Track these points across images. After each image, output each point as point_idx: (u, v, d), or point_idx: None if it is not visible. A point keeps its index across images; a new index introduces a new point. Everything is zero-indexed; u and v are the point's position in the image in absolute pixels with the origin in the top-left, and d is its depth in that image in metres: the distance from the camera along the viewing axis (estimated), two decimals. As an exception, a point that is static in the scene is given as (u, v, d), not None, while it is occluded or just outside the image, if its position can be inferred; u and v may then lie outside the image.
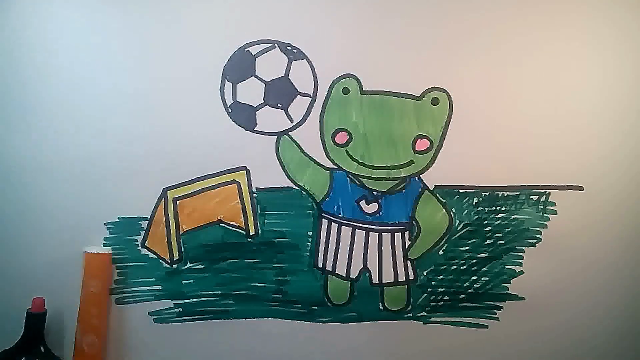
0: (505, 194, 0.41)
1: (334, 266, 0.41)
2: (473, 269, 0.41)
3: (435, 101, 0.41)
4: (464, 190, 0.41)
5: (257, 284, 0.42)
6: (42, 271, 0.41)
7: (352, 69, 0.42)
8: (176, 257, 0.41)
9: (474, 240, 0.41)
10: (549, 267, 0.42)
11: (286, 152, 0.41)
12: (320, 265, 0.41)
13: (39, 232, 0.41)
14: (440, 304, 0.41)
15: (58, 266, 0.41)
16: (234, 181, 0.42)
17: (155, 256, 0.42)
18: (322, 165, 0.41)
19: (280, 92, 0.41)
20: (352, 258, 0.41)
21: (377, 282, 0.41)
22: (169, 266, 0.42)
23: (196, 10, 0.42)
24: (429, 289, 0.41)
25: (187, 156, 0.42)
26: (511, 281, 0.42)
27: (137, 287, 0.42)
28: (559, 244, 0.41)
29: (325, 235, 0.41)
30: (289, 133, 0.42)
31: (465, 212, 0.41)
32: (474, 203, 0.41)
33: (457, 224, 0.41)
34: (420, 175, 0.42)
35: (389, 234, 0.41)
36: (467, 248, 0.41)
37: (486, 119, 0.42)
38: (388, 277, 0.41)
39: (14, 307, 0.39)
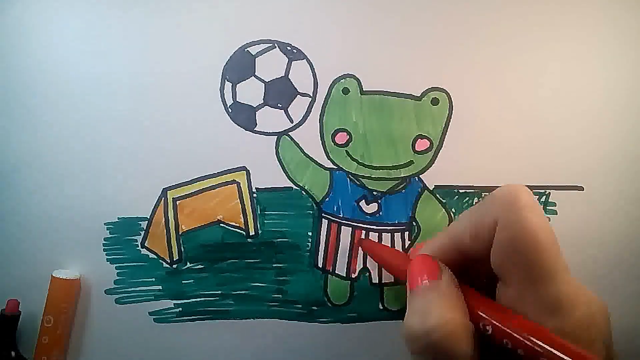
0: (505, 194, 0.41)
1: (334, 266, 0.41)
2: (473, 269, 0.41)
3: (435, 101, 0.41)
4: (464, 190, 0.41)
5: (257, 284, 0.42)
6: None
7: (352, 69, 0.41)
8: (176, 257, 0.41)
9: (474, 240, 0.41)
10: (549, 267, 0.41)
11: (286, 152, 0.41)
12: (320, 265, 0.41)
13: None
14: (440, 304, 0.41)
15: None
16: (233, 181, 0.42)
17: (155, 256, 0.42)
18: (322, 166, 0.41)
19: (280, 92, 0.41)
20: (352, 258, 0.41)
21: (377, 282, 0.41)
22: (169, 266, 0.42)
23: (196, 10, 0.42)
24: (429, 289, 0.41)
25: (187, 156, 0.42)
26: (511, 281, 0.42)
27: (137, 287, 0.41)
28: (559, 243, 0.41)
29: (325, 235, 0.41)
30: (289, 133, 0.42)
31: (465, 212, 0.41)
32: (474, 203, 0.41)
33: (457, 224, 0.41)
34: (420, 175, 0.42)
35: (389, 234, 0.41)
36: (467, 248, 0.41)
37: (486, 119, 0.42)
38: (388, 277, 0.41)
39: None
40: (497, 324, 0.18)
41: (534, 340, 0.16)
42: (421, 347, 0.19)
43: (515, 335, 0.17)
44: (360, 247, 0.40)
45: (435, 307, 0.19)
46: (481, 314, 0.19)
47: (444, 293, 0.20)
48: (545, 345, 0.16)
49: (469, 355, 0.18)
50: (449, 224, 0.41)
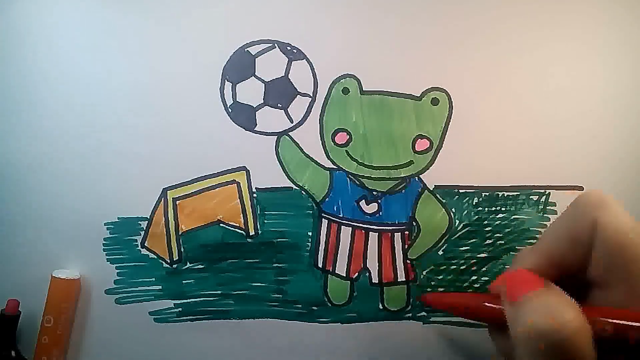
0: (505, 194, 0.41)
1: (334, 266, 0.41)
2: (473, 269, 0.41)
3: (435, 101, 0.41)
4: (464, 190, 0.41)
5: (257, 284, 0.42)
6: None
7: (352, 69, 0.41)
8: (176, 257, 0.41)
9: (473, 240, 0.41)
10: (549, 267, 0.41)
11: (286, 152, 0.41)
12: (320, 265, 0.41)
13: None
14: (440, 304, 0.41)
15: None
16: (233, 181, 0.42)
17: (155, 256, 0.42)
18: (322, 166, 0.41)
19: (280, 92, 0.41)
20: (352, 258, 0.41)
21: (377, 282, 0.41)
22: (169, 266, 0.42)
23: (196, 10, 0.42)
24: (429, 289, 0.41)
25: (187, 156, 0.42)
26: (511, 281, 0.42)
27: (137, 287, 0.41)
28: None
29: (325, 235, 0.41)
30: (289, 133, 0.42)
31: (465, 212, 0.41)
32: (474, 203, 0.41)
33: (457, 224, 0.41)
34: (420, 175, 0.42)
35: (389, 234, 0.41)
36: (467, 248, 0.41)
37: (486, 119, 0.42)
38: (388, 277, 0.41)
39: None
40: (618, 320, 0.18)
41: None
42: (547, 345, 0.18)
43: None
44: (425, 303, 0.36)
45: (559, 306, 0.19)
46: (593, 317, 0.19)
47: (561, 295, 0.20)
48: None
49: (595, 357, 0.17)
50: (448, 224, 0.41)
